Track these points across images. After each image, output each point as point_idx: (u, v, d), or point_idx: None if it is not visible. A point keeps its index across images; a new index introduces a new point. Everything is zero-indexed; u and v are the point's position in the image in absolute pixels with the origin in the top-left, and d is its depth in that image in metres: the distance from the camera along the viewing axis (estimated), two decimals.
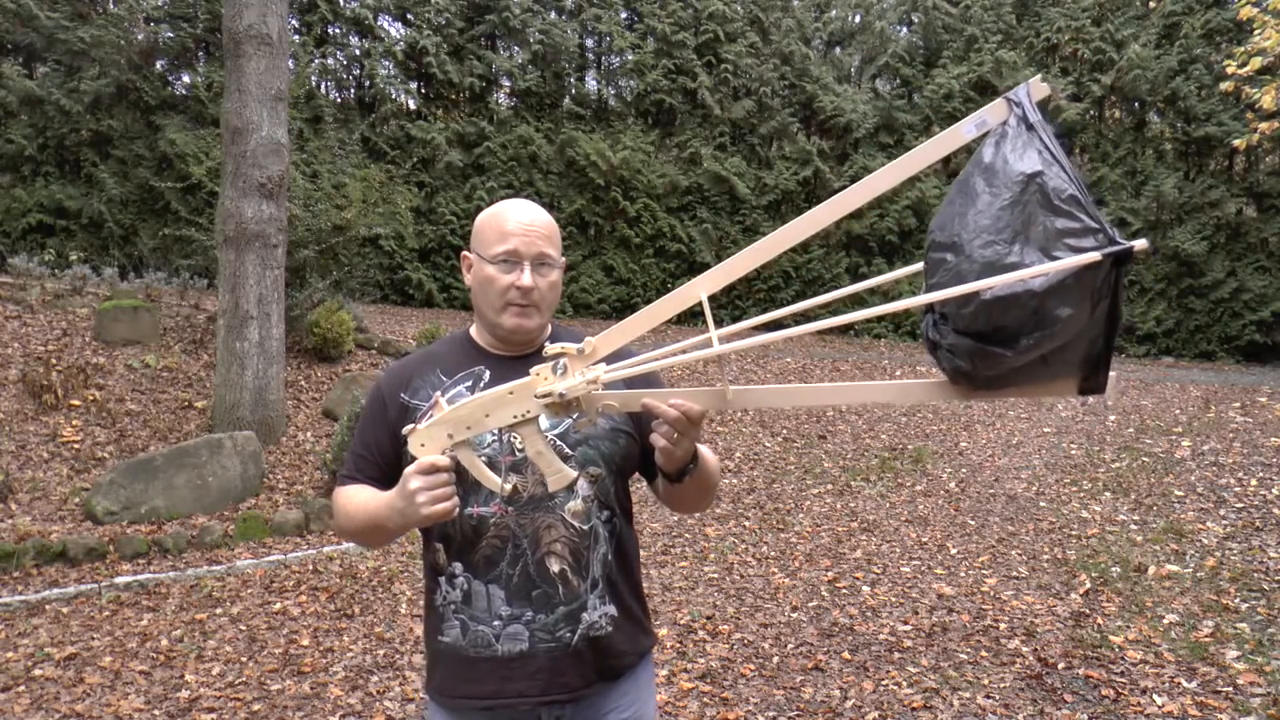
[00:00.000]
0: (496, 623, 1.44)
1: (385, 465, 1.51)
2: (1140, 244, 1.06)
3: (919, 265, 1.29)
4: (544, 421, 1.39)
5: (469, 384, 1.51)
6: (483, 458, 1.40)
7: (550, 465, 1.36)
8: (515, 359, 1.53)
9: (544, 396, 1.30)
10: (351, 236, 8.87)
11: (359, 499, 1.49)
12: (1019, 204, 1.10)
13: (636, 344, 1.44)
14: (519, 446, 1.44)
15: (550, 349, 1.30)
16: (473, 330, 1.60)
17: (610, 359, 1.34)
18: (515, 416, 1.32)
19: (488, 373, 1.51)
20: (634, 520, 1.63)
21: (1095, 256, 1.05)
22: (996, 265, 1.09)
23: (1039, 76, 1.19)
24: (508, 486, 1.39)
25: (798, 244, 1.28)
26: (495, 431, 1.41)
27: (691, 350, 1.31)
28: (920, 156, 1.18)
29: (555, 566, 1.44)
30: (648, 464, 1.54)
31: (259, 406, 6.46)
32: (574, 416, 1.38)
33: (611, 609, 1.49)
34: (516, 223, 1.47)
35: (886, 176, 1.20)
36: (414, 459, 1.34)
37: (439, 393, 1.46)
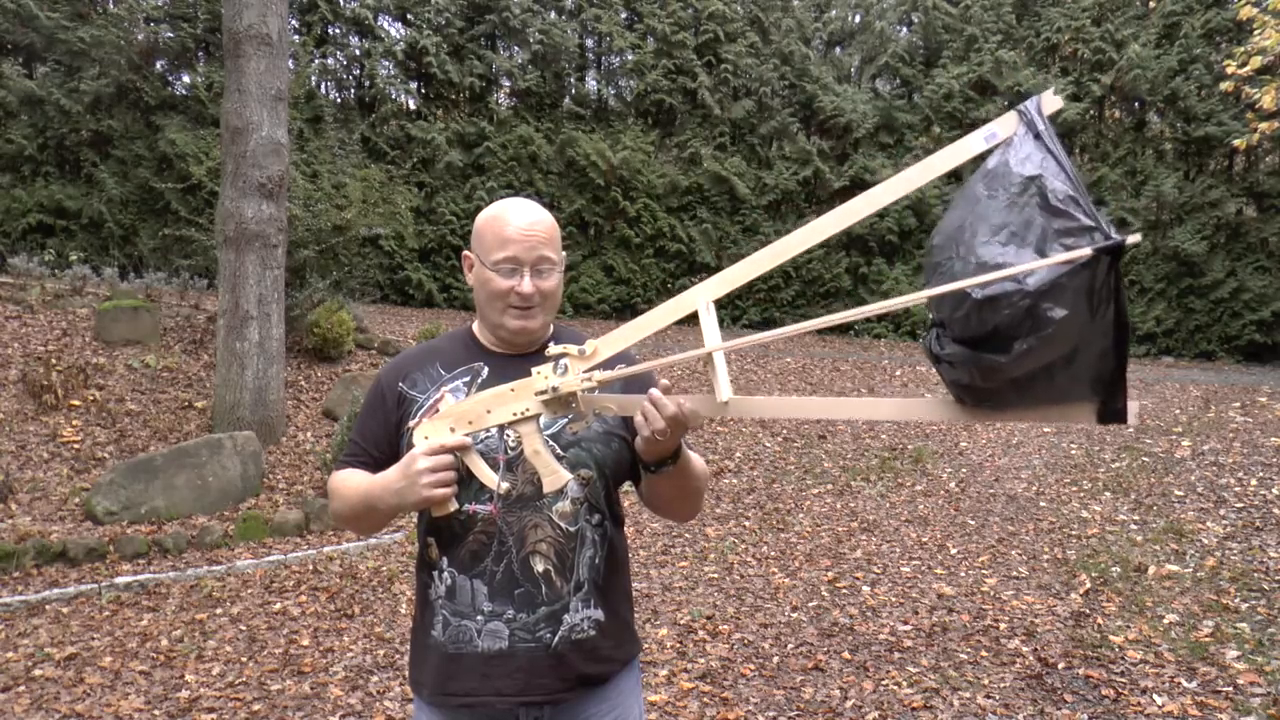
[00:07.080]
0: (479, 618, 1.44)
1: (379, 455, 1.53)
2: (1133, 238, 1.03)
3: (928, 292, 1.28)
4: (543, 421, 1.40)
5: (466, 379, 1.51)
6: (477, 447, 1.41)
7: (546, 465, 1.37)
8: (515, 357, 1.53)
9: (543, 394, 1.32)
10: (351, 236, 8.88)
11: (353, 480, 1.51)
12: (1017, 206, 1.08)
13: (636, 348, 1.45)
14: (513, 444, 1.44)
15: (553, 349, 1.32)
16: (475, 327, 1.60)
17: (611, 362, 1.35)
18: (515, 414, 1.35)
19: (486, 369, 1.52)
20: (629, 524, 1.63)
21: (1086, 252, 1.02)
22: (989, 266, 1.06)
23: (1051, 90, 1.17)
24: (504, 485, 1.40)
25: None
26: (494, 429, 1.43)
27: (690, 352, 1.31)
28: (929, 168, 1.16)
29: (539, 566, 1.44)
30: (636, 467, 1.53)
31: (259, 406, 6.46)
32: (571, 416, 1.39)
33: (597, 613, 1.48)
34: (515, 228, 1.45)
35: (893, 188, 1.17)
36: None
37: (441, 388, 1.49)
